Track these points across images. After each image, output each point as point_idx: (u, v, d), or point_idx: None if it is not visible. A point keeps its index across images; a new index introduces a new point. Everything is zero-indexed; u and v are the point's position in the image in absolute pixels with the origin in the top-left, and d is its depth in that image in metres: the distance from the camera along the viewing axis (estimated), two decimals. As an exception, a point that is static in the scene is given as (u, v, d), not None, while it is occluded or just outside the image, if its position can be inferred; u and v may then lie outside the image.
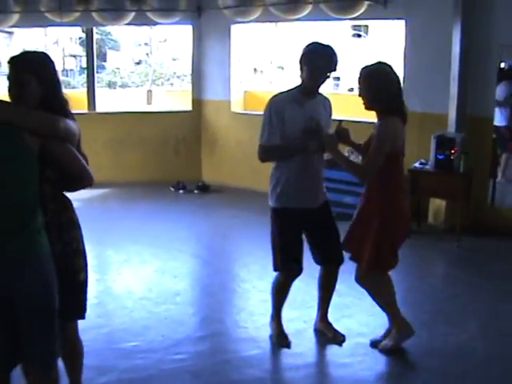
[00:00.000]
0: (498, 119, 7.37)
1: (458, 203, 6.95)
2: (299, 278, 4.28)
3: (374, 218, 4.03)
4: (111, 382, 3.16)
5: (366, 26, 30.13)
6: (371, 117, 4.27)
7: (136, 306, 5.11)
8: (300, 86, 4.16)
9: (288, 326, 4.55)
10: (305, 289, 4.91)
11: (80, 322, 3.26)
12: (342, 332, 4.47)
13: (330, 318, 4.55)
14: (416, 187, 6.95)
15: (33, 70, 2.80)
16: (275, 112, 4.08)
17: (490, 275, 5.98)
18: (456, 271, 6.19)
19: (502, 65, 7.33)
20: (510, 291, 5.66)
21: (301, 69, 4.11)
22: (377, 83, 3.97)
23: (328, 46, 4.11)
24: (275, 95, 4.23)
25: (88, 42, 10.18)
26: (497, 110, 7.28)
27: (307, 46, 4.12)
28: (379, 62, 4.15)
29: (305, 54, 4.09)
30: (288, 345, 4.38)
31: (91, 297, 5.08)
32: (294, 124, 4.07)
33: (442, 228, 7.31)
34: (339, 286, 4.47)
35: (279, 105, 4.11)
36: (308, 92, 4.15)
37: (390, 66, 4.07)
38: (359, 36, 34.00)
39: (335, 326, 4.51)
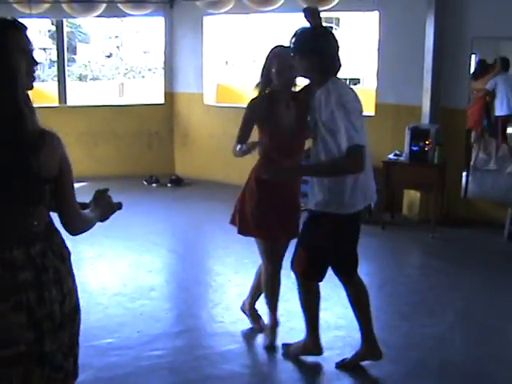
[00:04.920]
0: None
1: (432, 195, 6.99)
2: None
3: None
4: (88, 381, 3.08)
5: (338, 19, 30.17)
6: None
7: (111, 302, 5.04)
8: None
9: (263, 320, 4.51)
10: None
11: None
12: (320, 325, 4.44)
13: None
14: (390, 179, 6.98)
15: None
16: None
17: (465, 265, 6.02)
18: (432, 262, 6.21)
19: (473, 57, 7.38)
20: (485, 281, 5.70)
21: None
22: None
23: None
24: None
25: (58, 35, 10.00)
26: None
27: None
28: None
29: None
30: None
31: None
32: None
33: (417, 219, 7.34)
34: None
35: None
36: None
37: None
38: (331, 28, 34.07)
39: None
